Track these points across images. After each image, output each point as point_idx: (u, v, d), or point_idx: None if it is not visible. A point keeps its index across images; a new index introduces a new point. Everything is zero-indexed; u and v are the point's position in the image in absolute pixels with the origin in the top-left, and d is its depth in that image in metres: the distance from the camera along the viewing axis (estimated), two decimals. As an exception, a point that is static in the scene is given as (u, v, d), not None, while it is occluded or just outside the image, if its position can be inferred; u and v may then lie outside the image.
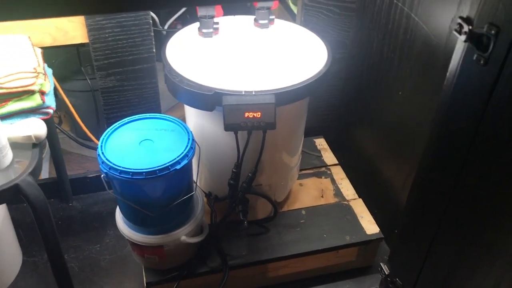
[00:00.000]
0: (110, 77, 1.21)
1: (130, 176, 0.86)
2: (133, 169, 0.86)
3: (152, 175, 0.87)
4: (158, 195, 0.94)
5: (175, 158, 0.89)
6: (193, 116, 1.05)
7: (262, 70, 0.98)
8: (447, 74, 0.71)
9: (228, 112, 0.88)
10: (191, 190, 1.01)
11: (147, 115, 1.00)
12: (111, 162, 0.88)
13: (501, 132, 0.64)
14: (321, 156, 1.41)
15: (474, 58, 0.63)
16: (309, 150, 1.42)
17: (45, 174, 1.57)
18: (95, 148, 0.92)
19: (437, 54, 0.95)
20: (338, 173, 1.36)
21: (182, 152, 0.90)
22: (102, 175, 0.90)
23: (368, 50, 1.25)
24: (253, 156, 0.98)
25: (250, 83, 0.93)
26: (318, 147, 1.45)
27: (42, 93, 0.93)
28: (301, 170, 1.29)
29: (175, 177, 0.92)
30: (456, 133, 0.72)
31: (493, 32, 0.59)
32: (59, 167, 1.34)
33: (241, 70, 0.98)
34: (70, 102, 1.34)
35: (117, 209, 1.04)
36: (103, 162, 0.89)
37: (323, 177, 1.34)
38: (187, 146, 0.92)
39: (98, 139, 0.93)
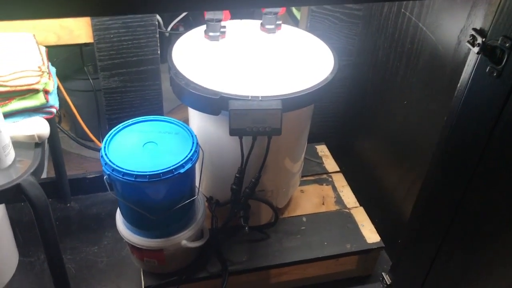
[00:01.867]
0: (114, 77, 1.21)
1: (134, 179, 0.85)
2: (137, 172, 0.85)
3: (155, 178, 0.86)
4: (160, 198, 0.93)
5: (179, 162, 0.88)
6: (197, 120, 1.04)
7: (268, 75, 0.98)
8: (458, 85, 0.71)
9: (234, 116, 0.87)
10: (193, 194, 1.00)
11: (151, 117, 0.99)
12: (114, 164, 0.87)
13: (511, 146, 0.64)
14: (323, 163, 1.41)
15: (487, 70, 0.63)
16: (311, 156, 1.42)
17: (43, 173, 1.55)
18: (95, 149, 0.91)
19: (444, 64, 0.94)
20: (339, 181, 1.35)
21: (186, 156, 0.90)
22: (105, 177, 0.89)
23: (373, 58, 1.25)
24: (257, 161, 0.98)
25: (256, 88, 0.92)
26: (320, 153, 1.44)
27: (46, 92, 0.92)
28: (302, 176, 1.29)
29: (178, 181, 0.91)
30: (465, 146, 0.72)
31: (507, 45, 0.59)
32: (58, 167, 1.33)
33: (247, 75, 0.97)
34: (71, 102, 1.33)
35: (117, 211, 1.03)
36: (106, 163, 0.88)
37: (324, 184, 1.34)
38: (191, 149, 0.91)
39: (99, 140, 0.92)
